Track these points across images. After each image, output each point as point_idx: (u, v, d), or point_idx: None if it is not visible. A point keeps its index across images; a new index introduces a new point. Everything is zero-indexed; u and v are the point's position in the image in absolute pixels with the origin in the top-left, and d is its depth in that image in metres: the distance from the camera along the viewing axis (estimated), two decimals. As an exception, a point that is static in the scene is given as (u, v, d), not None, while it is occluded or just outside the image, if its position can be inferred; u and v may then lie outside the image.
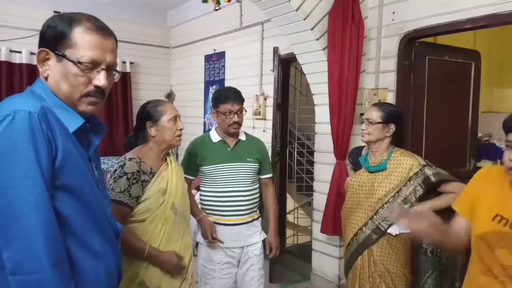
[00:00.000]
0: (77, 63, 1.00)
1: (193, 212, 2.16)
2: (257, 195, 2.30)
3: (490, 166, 2.42)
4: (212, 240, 2.16)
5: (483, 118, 3.60)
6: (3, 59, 4.71)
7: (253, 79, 4.41)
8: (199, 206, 2.30)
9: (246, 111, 2.28)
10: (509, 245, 1.26)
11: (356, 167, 2.27)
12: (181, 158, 2.41)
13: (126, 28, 5.21)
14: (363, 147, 2.32)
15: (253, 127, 4.26)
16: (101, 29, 1.04)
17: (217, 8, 3.93)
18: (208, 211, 2.23)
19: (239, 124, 2.20)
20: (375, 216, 2.07)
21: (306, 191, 4.76)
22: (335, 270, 3.23)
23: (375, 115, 2.08)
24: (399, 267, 2.06)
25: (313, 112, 3.37)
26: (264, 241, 2.34)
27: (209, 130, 2.39)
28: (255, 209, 2.29)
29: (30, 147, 0.88)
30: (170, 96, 5.92)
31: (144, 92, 5.68)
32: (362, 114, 2.51)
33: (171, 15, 5.86)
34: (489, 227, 1.30)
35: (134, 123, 1.91)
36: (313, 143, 3.70)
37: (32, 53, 4.75)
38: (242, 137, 2.30)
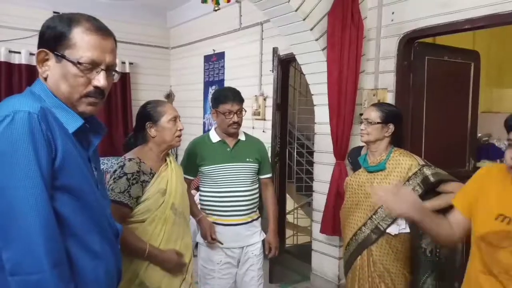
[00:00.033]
0: (77, 63, 1.00)
1: (193, 212, 2.15)
2: (257, 195, 2.30)
3: (490, 165, 2.42)
4: (212, 241, 2.16)
5: (482, 118, 3.60)
6: (2, 59, 4.71)
7: (252, 79, 4.41)
8: (199, 206, 2.30)
9: (245, 111, 2.28)
10: None
11: (355, 167, 2.27)
12: (180, 158, 2.41)
13: (126, 28, 5.21)
14: (362, 147, 2.32)
15: (253, 128, 4.26)
16: (101, 29, 1.04)
17: (216, 8, 3.92)
18: (207, 211, 2.23)
19: (238, 124, 2.21)
20: (374, 216, 2.07)
21: (306, 191, 4.76)
22: (335, 270, 3.24)
23: (374, 115, 2.09)
24: (399, 267, 2.07)
25: (312, 113, 3.37)
26: (263, 241, 2.34)
27: (209, 130, 2.39)
28: (254, 209, 2.29)
29: (30, 147, 0.88)
30: (169, 96, 5.91)
31: (143, 92, 5.69)
32: (361, 114, 2.51)
33: (171, 16, 5.86)
34: (491, 227, 1.29)
35: (134, 123, 1.91)
36: (313, 144, 3.70)
37: (31, 54, 4.75)
38: (242, 137, 2.30)
